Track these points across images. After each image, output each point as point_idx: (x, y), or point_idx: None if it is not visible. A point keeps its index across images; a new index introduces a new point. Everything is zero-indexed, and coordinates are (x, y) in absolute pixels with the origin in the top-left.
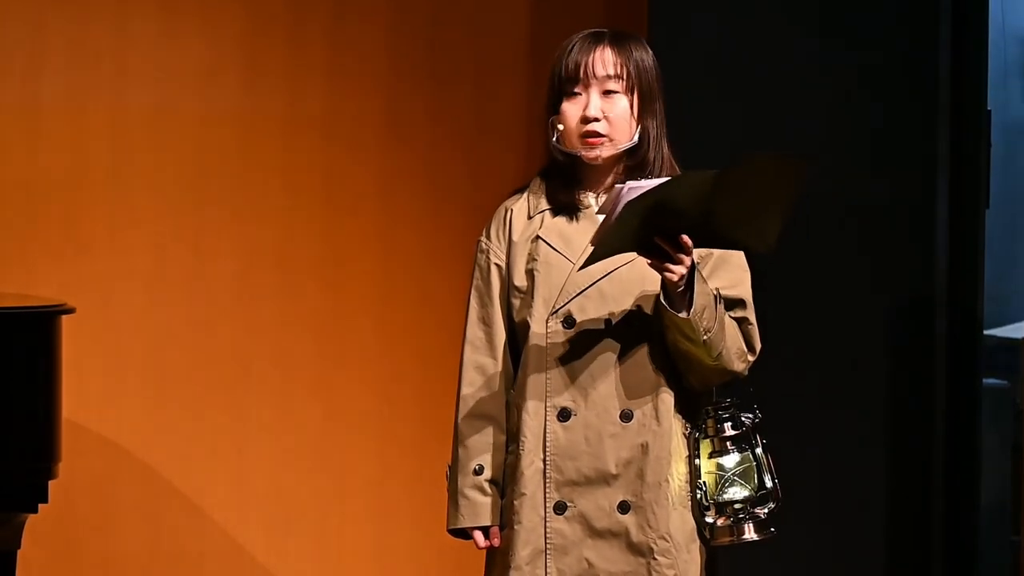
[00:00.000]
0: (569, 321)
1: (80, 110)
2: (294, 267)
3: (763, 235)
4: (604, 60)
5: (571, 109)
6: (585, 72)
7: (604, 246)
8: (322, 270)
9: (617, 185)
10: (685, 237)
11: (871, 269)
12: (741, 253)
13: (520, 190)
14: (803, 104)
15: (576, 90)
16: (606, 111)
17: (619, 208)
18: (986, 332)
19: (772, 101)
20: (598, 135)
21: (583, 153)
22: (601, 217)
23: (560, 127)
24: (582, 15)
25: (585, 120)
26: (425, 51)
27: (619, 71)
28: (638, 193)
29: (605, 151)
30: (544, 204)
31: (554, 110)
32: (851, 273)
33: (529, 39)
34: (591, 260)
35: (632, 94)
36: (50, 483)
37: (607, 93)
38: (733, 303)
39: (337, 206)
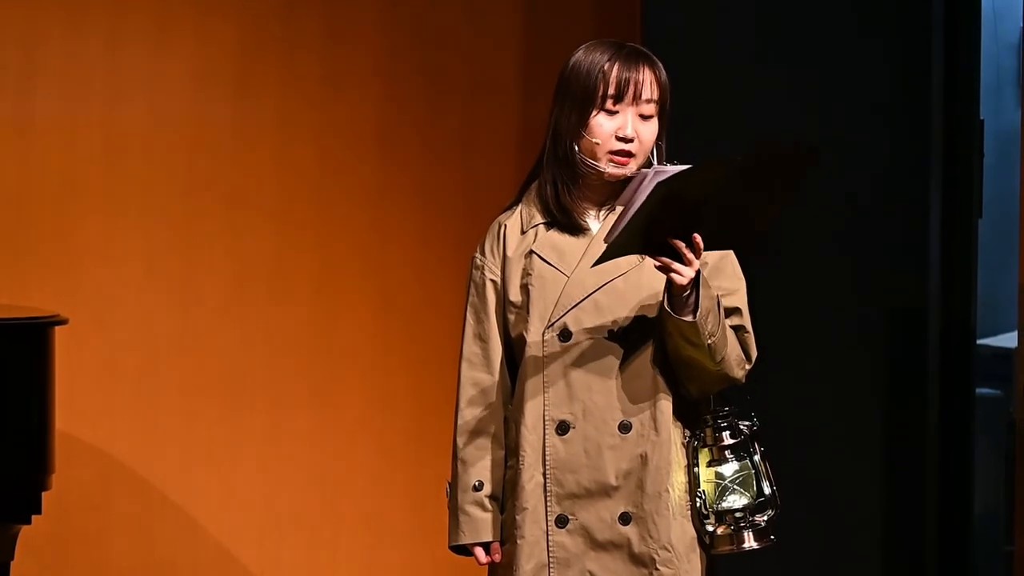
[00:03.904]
0: (565, 334)
1: (73, 122)
2: (287, 278)
3: (765, 223)
4: (649, 83)
5: (607, 125)
6: (632, 92)
7: (620, 238)
8: (315, 281)
9: (642, 170)
10: (697, 237)
11: (864, 278)
12: (735, 261)
13: (512, 205)
14: (796, 112)
15: (616, 108)
16: (640, 133)
17: (642, 192)
18: (979, 341)
19: (765, 108)
20: (629, 155)
21: (609, 170)
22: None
23: (596, 141)
24: (573, 33)
25: (620, 139)
26: (417, 64)
27: (657, 96)
28: (664, 176)
29: (630, 170)
30: (538, 218)
31: (579, 120)
32: (844, 282)
33: (520, 55)
34: (604, 258)
35: (660, 118)
36: (43, 494)
37: (642, 114)
38: (729, 311)
39: (330, 218)
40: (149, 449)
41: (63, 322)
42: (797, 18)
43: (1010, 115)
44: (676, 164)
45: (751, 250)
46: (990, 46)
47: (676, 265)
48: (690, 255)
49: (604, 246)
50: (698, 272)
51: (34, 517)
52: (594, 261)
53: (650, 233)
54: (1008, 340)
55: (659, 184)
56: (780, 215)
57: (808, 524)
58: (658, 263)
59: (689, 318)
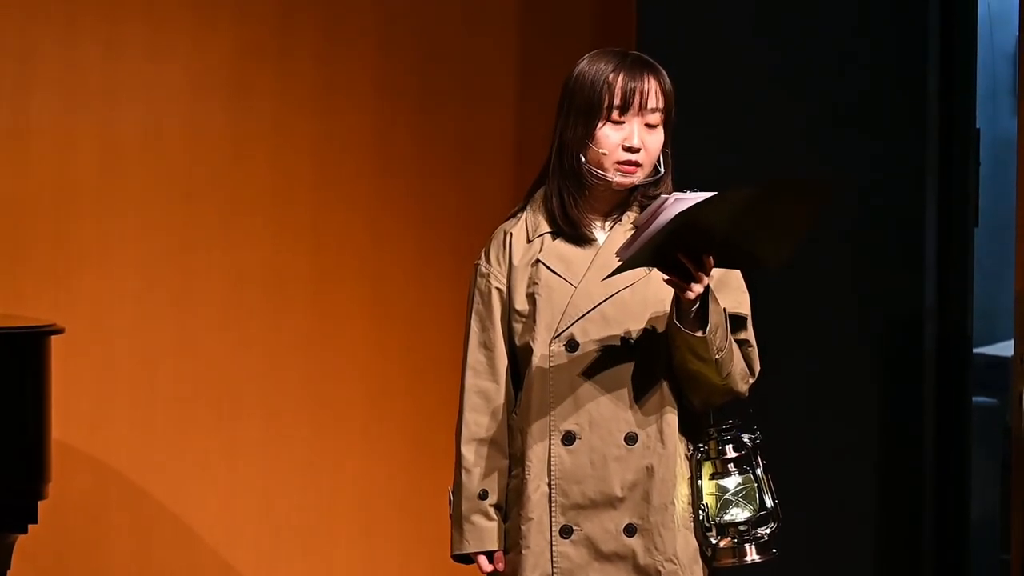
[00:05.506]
0: (572, 345)
1: (70, 129)
2: (284, 285)
3: (779, 252)
4: (654, 92)
5: (613, 135)
6: (637, 102)
7: (635, 257)
8: (311, 289)
9: (662, 195)
10: (709, 258)
11: (861, 287)
12: (739, 275)
13: (516, 213)
14: (792, 121)
15: (622, 117)
16: (646, 142)
17: (661, 218)
18: (975, 350)
19: (760, 117)
20: (636, 164)
21: (617, 180)
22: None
23: (603, 151)
24: (570, 42)
25: (627, 149)
26: (413, 71)
27: (662, 104)
28: (686, 205)
29: (637, 179)
30: (544, 227)
31: (585, 132)
32: (841, 291)
33: (517, 62)
34: (618, 271)
35: (665, 126)
36: (40, 503)
37: (648, 124)
38: (734, 325)
39: (326, 224)
40: (146, 457)
41: (59, 331)
42: (793, 25)
43: (1006, 123)
44: (696, 191)
45: (755, 268)
46: (986, 55)
47: (686, 281)
48: (699, 273)
49: (611, 257)
50: (707, 287)
51: (30, 526)
52: (604, 275)
53: (662, 250)
54: (1004, 349)
55: (680, 213)
56: (797, 243)
57: (805, 533)
58: (668, 278)
59: (699, 333)
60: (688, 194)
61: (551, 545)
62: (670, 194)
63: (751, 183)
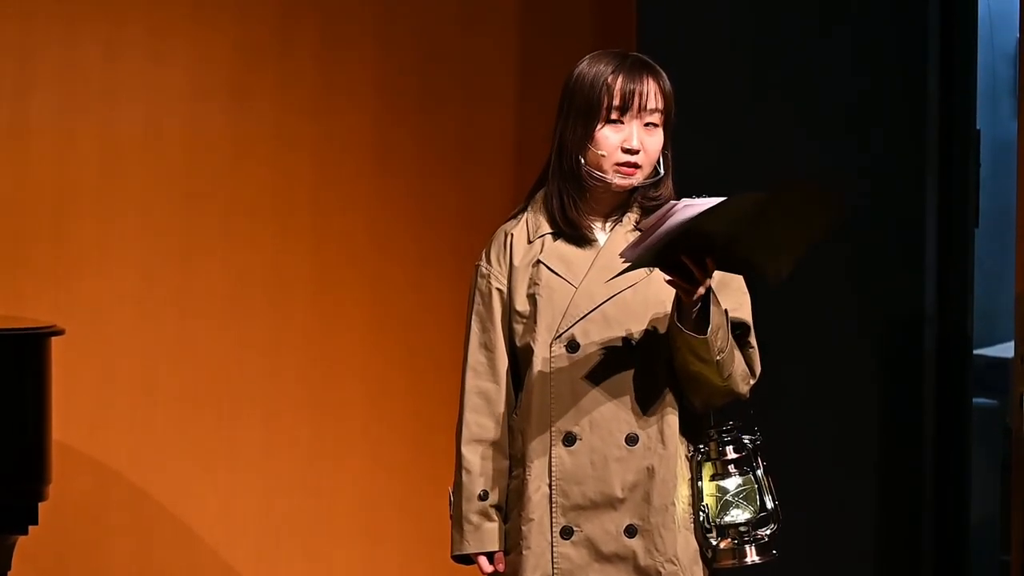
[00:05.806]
0: (573, 345)
1: (70, 131)
2: (284, 287)
3: (779, 263)
4: (653, 93)
5: (612, 136)
6: (636, 103)
7: (640, 259)
8: (312, 290)
9: (671, 201)
10: (710, 260)
11: (861, 288)
12: (740, 277)
13: (516, 214)
14: (791, 123)
15: (621, 119)
16: (645, 144)
17: (670, 222)
18: (976, 351)
19: (760, 117)
20: (636, 166)
21: (616, 181)
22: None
23: (602, 153)
24: (570, 42)
25: (626, 150)
26: (413, 73)
27: (662, 105)
28: (695, 211)
29: (637, 181)
30: (545, 228)
31: (585, 133)
32: (841, 292)
33: (517, 63)
34: (624, 271)
35: (665, 127)
36: (40, 504)
37: (647, 125)
38: (735, 327)
39: (327, 226)
40: (146, 459)
41: (59, 332)
42: (793, 25)
43: (1006, 125)
44: (704, 197)
45: (761, 276)
46: (986, 56)
47: (687, 283)
48: (701, 274)
49: (612, 258)
50: (708, 288)
51: (31, 527)
52: (606, 276)
53: (665, 251)
54: (1005, 350)
55: (690, 219)
56: (799, 256)
57: (805, 533)
58: (669, 277)
59: (700, 334)
60: (697, 200)
61: (552, 546)
62: (679, 200)
63: (760, 188)
